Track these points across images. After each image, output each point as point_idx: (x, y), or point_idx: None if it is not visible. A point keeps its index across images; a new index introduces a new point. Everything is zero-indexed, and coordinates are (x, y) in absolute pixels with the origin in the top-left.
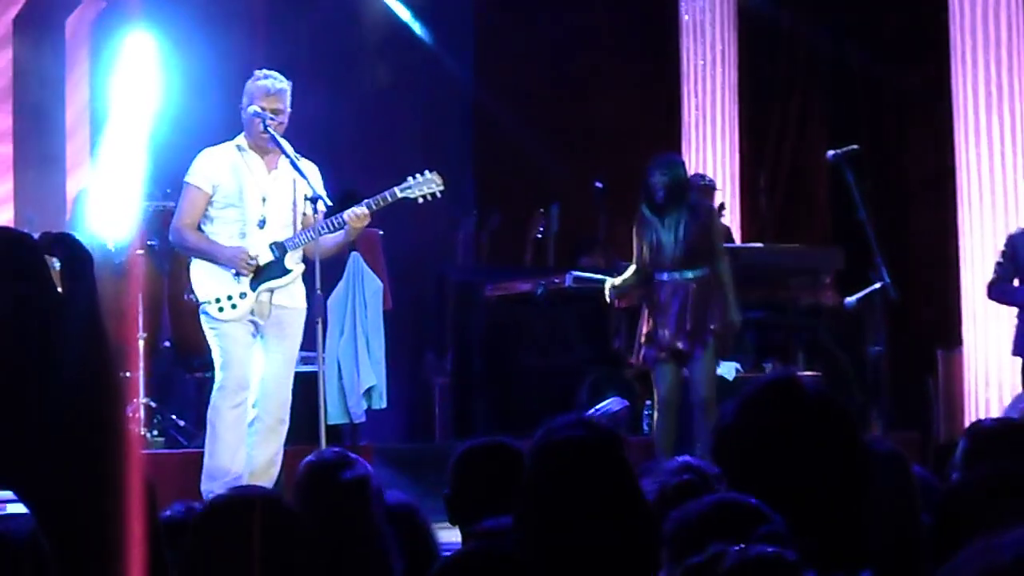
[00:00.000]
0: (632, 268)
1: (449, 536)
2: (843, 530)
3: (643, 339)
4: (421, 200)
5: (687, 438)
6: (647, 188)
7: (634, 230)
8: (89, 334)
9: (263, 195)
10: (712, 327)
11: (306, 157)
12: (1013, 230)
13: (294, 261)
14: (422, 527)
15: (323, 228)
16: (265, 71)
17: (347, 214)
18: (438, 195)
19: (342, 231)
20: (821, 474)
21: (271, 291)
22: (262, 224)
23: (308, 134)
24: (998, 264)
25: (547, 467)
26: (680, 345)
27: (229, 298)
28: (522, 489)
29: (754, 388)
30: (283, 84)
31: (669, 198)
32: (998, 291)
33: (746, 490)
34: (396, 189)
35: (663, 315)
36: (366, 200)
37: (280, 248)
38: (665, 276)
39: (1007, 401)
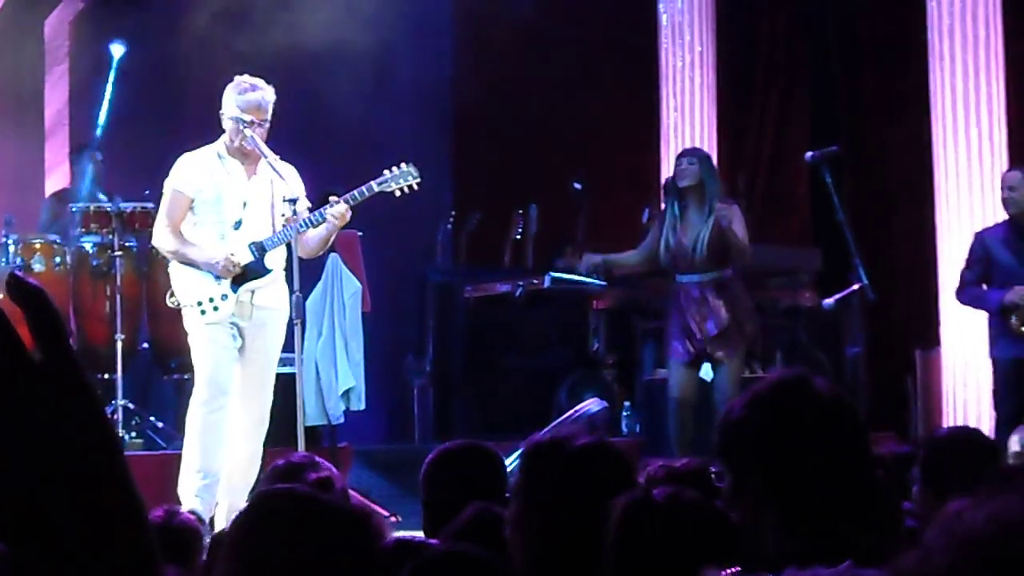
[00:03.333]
0: (639, 252)
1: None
2: (844, 527)
3: (671, 338)
4: (399, 193)
5: (704, 439)
6: (673, 176)
7: (655, 221)
8: (75, 406)
9: (243, 200)
10: (745, 331)
11: (284, 158)
12: (979, 229)
13: (274, 261)
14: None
15: (303, 225)
16: (248, 79)
17: (327, 213)
18: (415, 187)
19: (323, 225)
20: (828, 472)
21: (252, 292)
22: (238, 226)
23: (286, 135)
24: (966, 268)
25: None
26: (700, 348)
27: (211, 300)
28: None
29: (764, 385)
30: (270, 95)
31: (699, 184)
32: (969, 295)
33: (750, 485)
34: (373, 183)
35: (683, 318)
36: (343, 195)
37: (259, 248)
38: (685, 278)
39: (984, 401)
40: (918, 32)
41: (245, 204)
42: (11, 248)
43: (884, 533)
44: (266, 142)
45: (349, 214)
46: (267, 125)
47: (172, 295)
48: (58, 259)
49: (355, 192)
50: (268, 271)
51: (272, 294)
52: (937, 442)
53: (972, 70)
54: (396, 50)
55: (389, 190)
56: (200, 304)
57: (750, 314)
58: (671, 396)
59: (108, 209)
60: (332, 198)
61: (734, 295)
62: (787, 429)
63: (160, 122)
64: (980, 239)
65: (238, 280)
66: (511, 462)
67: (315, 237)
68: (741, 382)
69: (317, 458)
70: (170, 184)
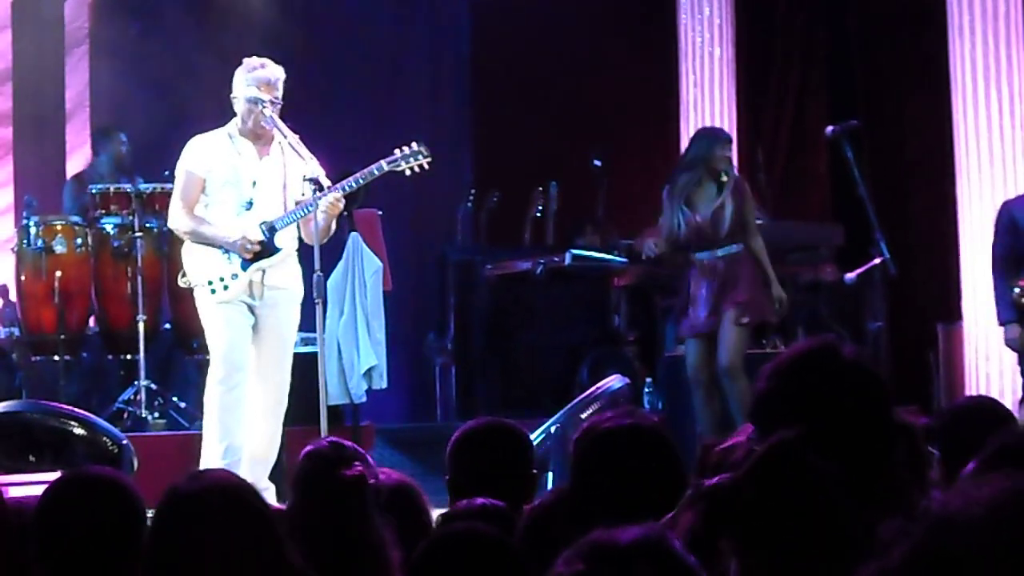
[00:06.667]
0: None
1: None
2: (870, 493)
3: (679, 316)
4: (409, 172)
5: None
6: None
7: (667, 205)
8: None
9: (253, 179)
10: (738, 300)
11: (302, 137)
12: (1008, 199)
13: (284, 240)
14: (418, 506)
15: (311, 206)
16: (258, 59)
17: (319, 202)
18: (426, 167)
19: (320, 214)
20: (856, 440)
21: (263, 271)
22: (249, 206)
23: (306, 114)
24: (995, 241)
25: (595, 455)
26: (710, 323)
27: (221, 279)
28: (570, 476)
29: (795, 353)
30: (280, 73)
31: (705, 172)
32: (996, 283)
33: None
34: (383, 162)
35: (696, 294)
36: (354, 175)
37: (270, 228)
38: (699, 255)
39: (1007, 375)
40: (937, 3)
41: (255, 183)
42: (32, 230)
43: (896, 504)
44: (283, 120)
45: (342, 202)
46: (279, 104)
47: (184, 275)
48: (79, 240)
49: (365, 171)
50: (278, 249)
51: (283, 274)
52: (953, 413)
53: (992, 41)
54: (414, 28)
55: (399, 169)
56: (211, 283)
57: (748, 283)
58: (688, 375)
59: (128, 190)
60: (327, 183)
61: (733, 269)
62: (811, 399)
63: (179, 102)
64: (1007, 208)
65: (248, 259)
66: (535, 437)
67: (322, 220)
68: (762, 358)
69: (346, 444)
70: (182, 166)
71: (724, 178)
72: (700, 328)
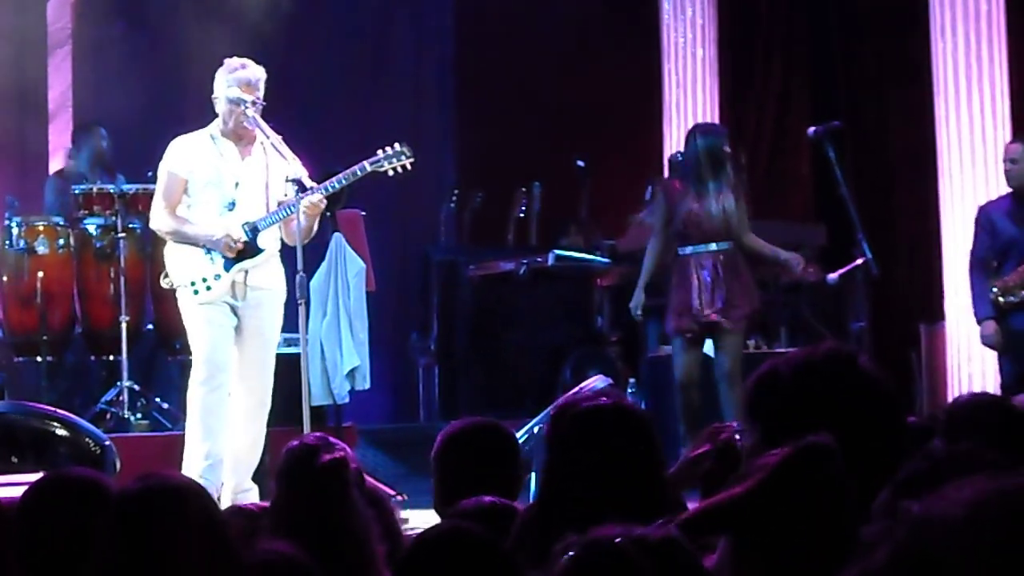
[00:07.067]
0: (657, 242)
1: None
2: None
3: (671, 312)
4: (392, 173)
5: (709, 414)
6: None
7: (662, 200)
8: None
9: (236, 180)
10: (743, 307)
11: (285, 138)
12: (983, 202)
13: (267, 240)
14: (384, 511)
15: (294, 207)
16: (239, 60)
17: (301, 204)
18: (408, 168)
19: (302, 214)
20: (859, 449)
21: (245, 271)
22: (232, 207)
23: (288, 114)
24: (973, 244)
25: (577, 432)
26: (712, 318)
27: (204, 280)
28: (547, 456)
29: (815, 354)
30: (261, 73)
31: (705, 166)
32: (972, 284)
33: (777, 447)
34: (366, 163)
35: (687, 294)
36: (337, 176)
37: (253, 229)
38: (689, 249)
39: (989, 375)
40: (920, 4)
41: (238, 184)
42: (15, 230)
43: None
44: (265, 120)
45: (324, 203)
46: (261, 104)
47: (166, 276)
48: (61, 241)
49: (347, 172)
50: (260, 250)
51: (266, 274)
52: (952, 411)
53: (974, 41)
54: (397, 28)
55: (382, 170)
56: (193, 284)
57: (754, 289)
58: (676, 378)
59: (111, 191)
60: (311, 184)
61: (741, 269)
62: (827, 402)
63: (162, 102)
64: (984, 212)
65: (231, 259)
66: (519, 437)
67: (304, 221)
68: (745, 358)
69: (331, 439)
70: (164, 167)
71: (723, 175)
72: (699, 321)
